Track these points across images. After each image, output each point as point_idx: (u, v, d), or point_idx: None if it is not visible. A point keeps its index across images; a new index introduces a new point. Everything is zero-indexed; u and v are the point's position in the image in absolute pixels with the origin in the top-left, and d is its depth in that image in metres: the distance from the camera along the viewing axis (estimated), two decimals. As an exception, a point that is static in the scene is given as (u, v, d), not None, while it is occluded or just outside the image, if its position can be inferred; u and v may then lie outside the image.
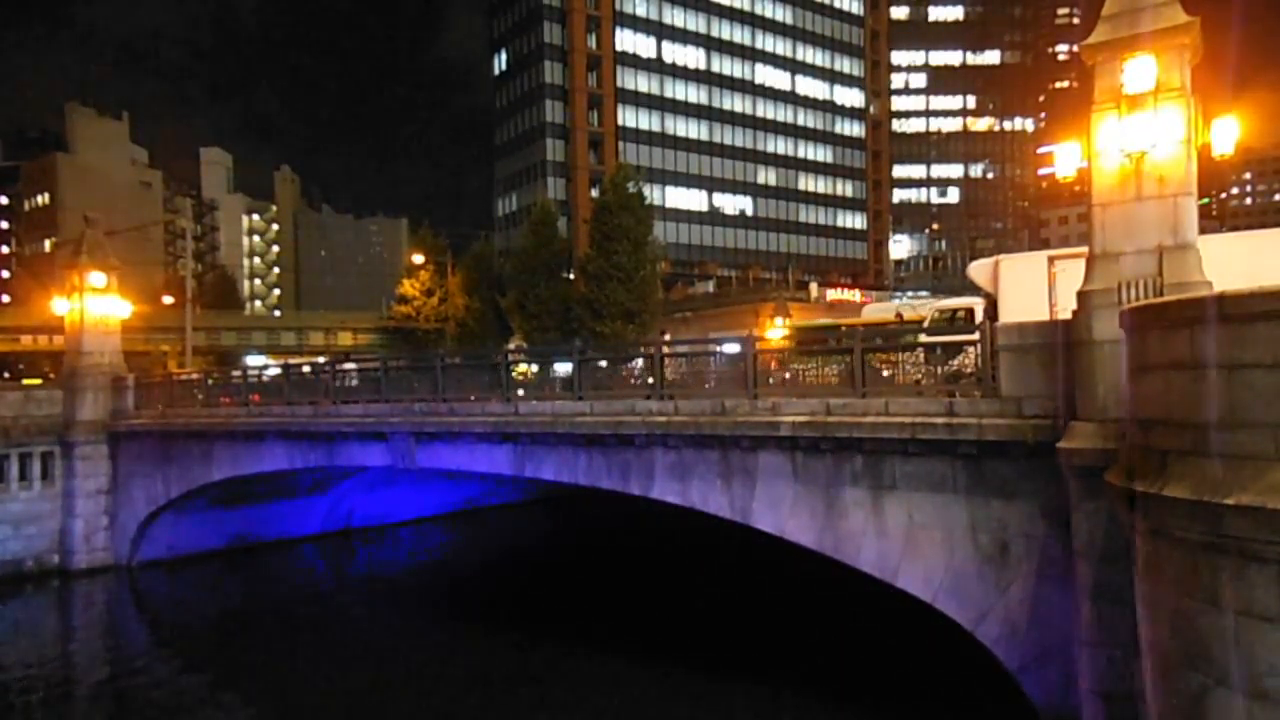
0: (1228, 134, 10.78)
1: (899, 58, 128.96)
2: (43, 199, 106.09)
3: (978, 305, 20.51)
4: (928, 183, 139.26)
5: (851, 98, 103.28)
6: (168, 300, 68.51)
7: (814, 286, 71.00)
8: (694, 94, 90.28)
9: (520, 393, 19.08)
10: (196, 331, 56.58)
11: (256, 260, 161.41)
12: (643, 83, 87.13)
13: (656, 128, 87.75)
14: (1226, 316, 6.79)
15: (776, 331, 42.62)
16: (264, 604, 24.42)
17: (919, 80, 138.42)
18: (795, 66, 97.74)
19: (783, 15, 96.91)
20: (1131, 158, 10.40)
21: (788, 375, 15.07)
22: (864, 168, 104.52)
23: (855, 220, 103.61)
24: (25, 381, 44.09)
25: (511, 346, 50.11)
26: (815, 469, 13.67)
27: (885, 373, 13.86)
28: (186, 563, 27.78)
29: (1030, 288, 16.85)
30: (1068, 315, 11.31)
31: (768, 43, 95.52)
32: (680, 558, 27.40)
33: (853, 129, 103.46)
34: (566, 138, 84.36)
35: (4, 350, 70.40)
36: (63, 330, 31.00)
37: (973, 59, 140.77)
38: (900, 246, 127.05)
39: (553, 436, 17.20)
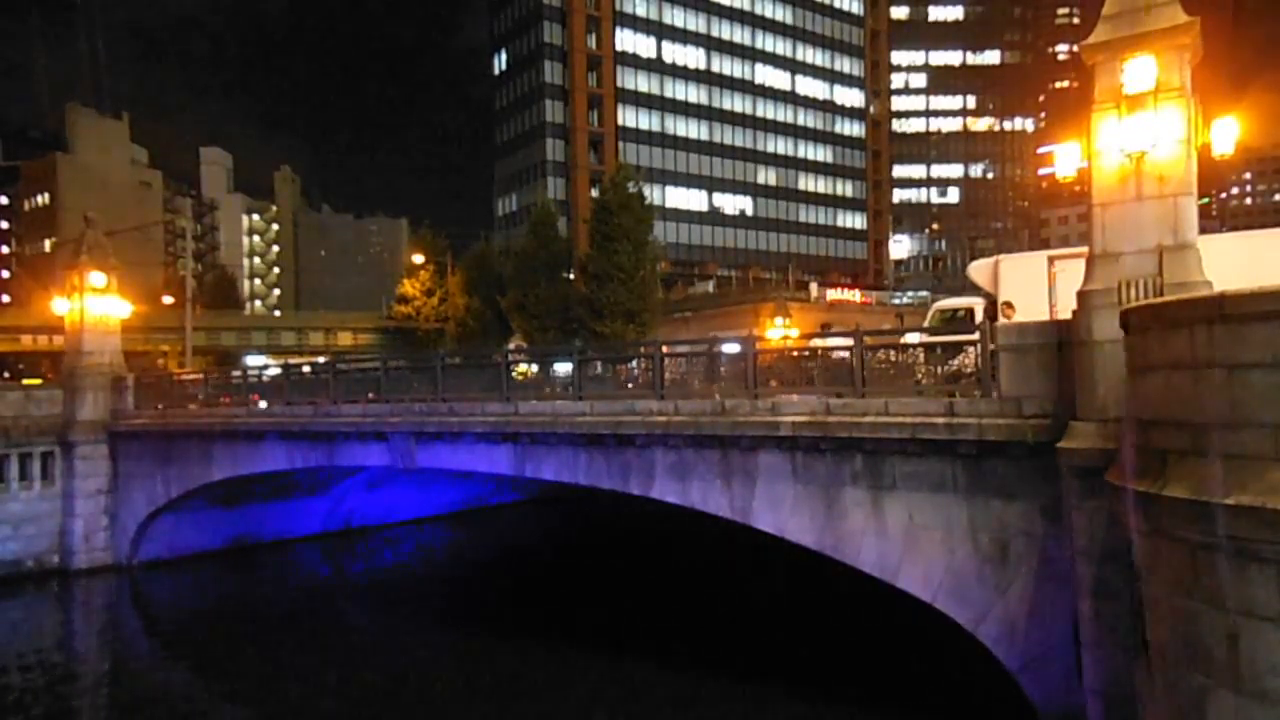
0: (1228, 134, 10.78)
1: (899, 58, 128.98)
2: (43, 199, 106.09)
3: (978, 305, 20.50)
4: (928, 183, 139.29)
5: (851, 98, 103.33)
6: (168, 300, 68.44)
7: (814, 286, 70.95)
8: (694, 94, 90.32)
9: (520, 393, 19.06)
10: (196, 331, 56.51)
11: (256, 260, 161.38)
12: (643, 83, 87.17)
13: (656, 128, 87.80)
14: (1226, 316, 6.79)
15: (776, 331, 42.64)
16: (264, 604, 24.41)
17: (919, 80, 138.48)
18: (795, 66, 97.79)
19: (783, 15, 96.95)
20: (1131, 158, 10.40)
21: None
22: (864, 168, 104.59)
23: (855, 220, 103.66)
24: (25, 381, 44.11)
25: (511, 346, 50.14)
26: (815, 469, 13.67)
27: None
28: (186, 563, 27.77)
29: (1030, 288, 16.84)
30: (1068, 315, 11.31)
31: (768, 43, 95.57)
32: (680, 557, 27.41)
33: (853, 129, 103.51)
34: (566, 138, 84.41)
35: (4, 350, 70.38)
36: (63, 330, 30.96)
37: (973, 59, 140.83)
38: (900, 246, 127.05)
39: (553, 436, 17.20)
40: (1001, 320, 15.54)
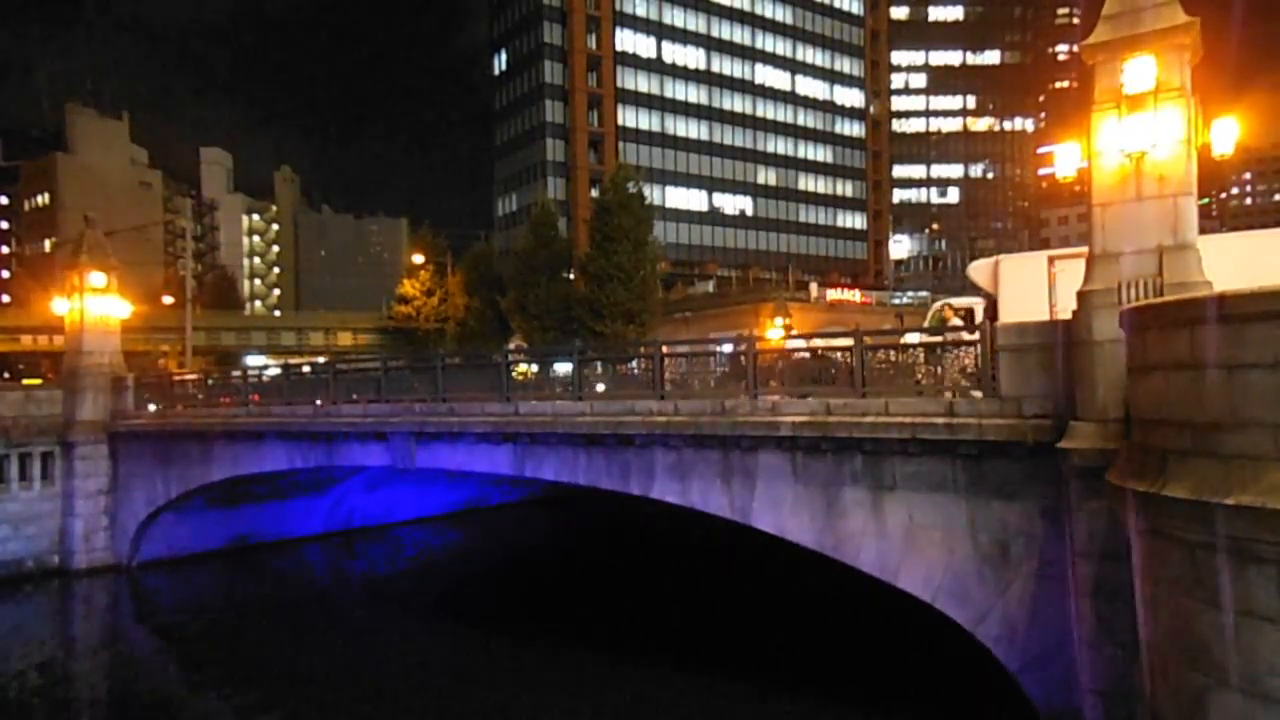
0: (1228, 134, 10.77)
1: (899, 58, 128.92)
2: (43, 199, 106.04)
3: (978, 305, 20.50)
4: (928, 183, 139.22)
5: (851, 98, 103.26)
6: (168, 300, 68.48)
7: (814, 286, 70.91)
8: (694, 94, 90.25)
9: (520, 393, 19.06)
10: (196, 331, 56.59)
11: (256, 260, 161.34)
12: (643, 83, 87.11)
13: (656, 128, 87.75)
14: (1226, 316, 6.78)
15: (776, 332, 42.65)
16: (264, 604, 24.41)
17: (919, 80, 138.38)
18: (795, 66, 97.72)
19: (783, 15, 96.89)
20: (1131, 158, 10.40)
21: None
22: (864, 168, 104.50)
23: (855, 220, 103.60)
24: (25, 381, 44.13)
25: (511, 346, 50.16)
26: (815, 469, 13.67)
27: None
28: (187, 563, 27.77)
29: (1030, 288, 16.82)
30: (1068, 315, 11.31)
31: (768, 43, 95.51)
32: (681, 557, 27.41)
33: (853, 129, 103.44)
34: (566, 138, 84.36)
35: (4, 350, 70.40)
36: (63, 330, 30.97)
37: (973, 59, 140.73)
38: (900, 246, 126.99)
39: (553, 436, 17.20)
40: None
